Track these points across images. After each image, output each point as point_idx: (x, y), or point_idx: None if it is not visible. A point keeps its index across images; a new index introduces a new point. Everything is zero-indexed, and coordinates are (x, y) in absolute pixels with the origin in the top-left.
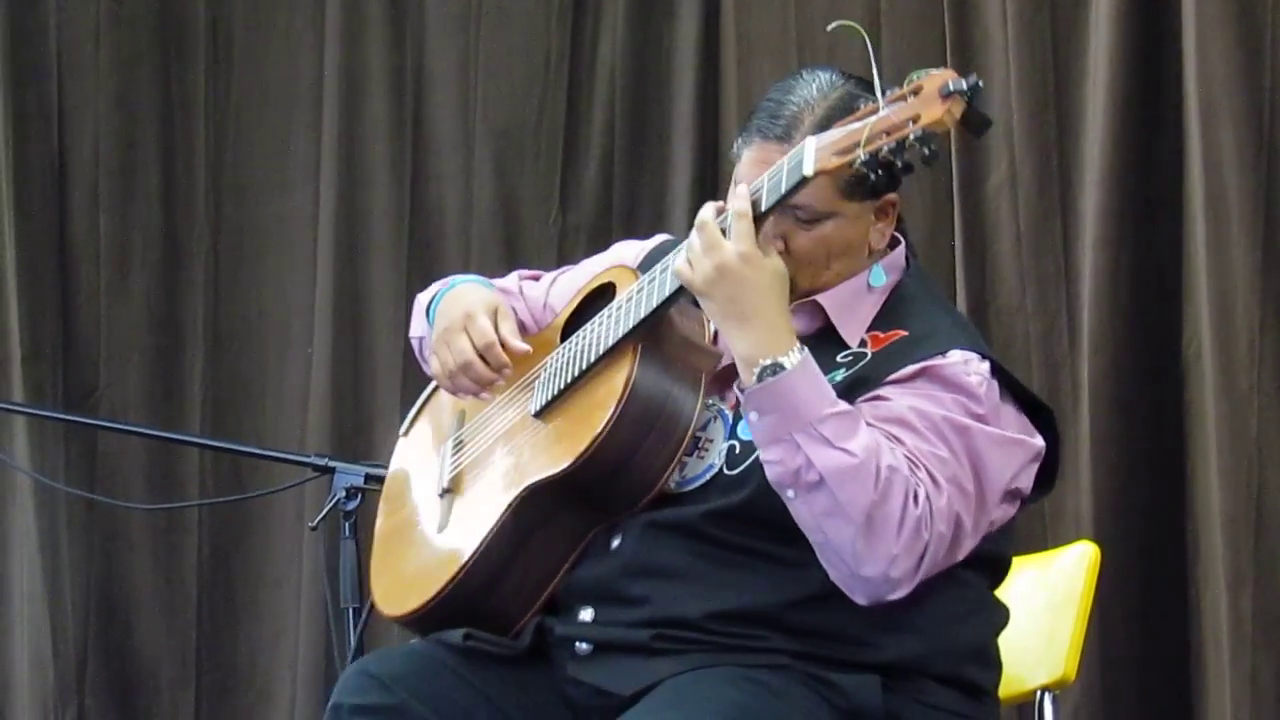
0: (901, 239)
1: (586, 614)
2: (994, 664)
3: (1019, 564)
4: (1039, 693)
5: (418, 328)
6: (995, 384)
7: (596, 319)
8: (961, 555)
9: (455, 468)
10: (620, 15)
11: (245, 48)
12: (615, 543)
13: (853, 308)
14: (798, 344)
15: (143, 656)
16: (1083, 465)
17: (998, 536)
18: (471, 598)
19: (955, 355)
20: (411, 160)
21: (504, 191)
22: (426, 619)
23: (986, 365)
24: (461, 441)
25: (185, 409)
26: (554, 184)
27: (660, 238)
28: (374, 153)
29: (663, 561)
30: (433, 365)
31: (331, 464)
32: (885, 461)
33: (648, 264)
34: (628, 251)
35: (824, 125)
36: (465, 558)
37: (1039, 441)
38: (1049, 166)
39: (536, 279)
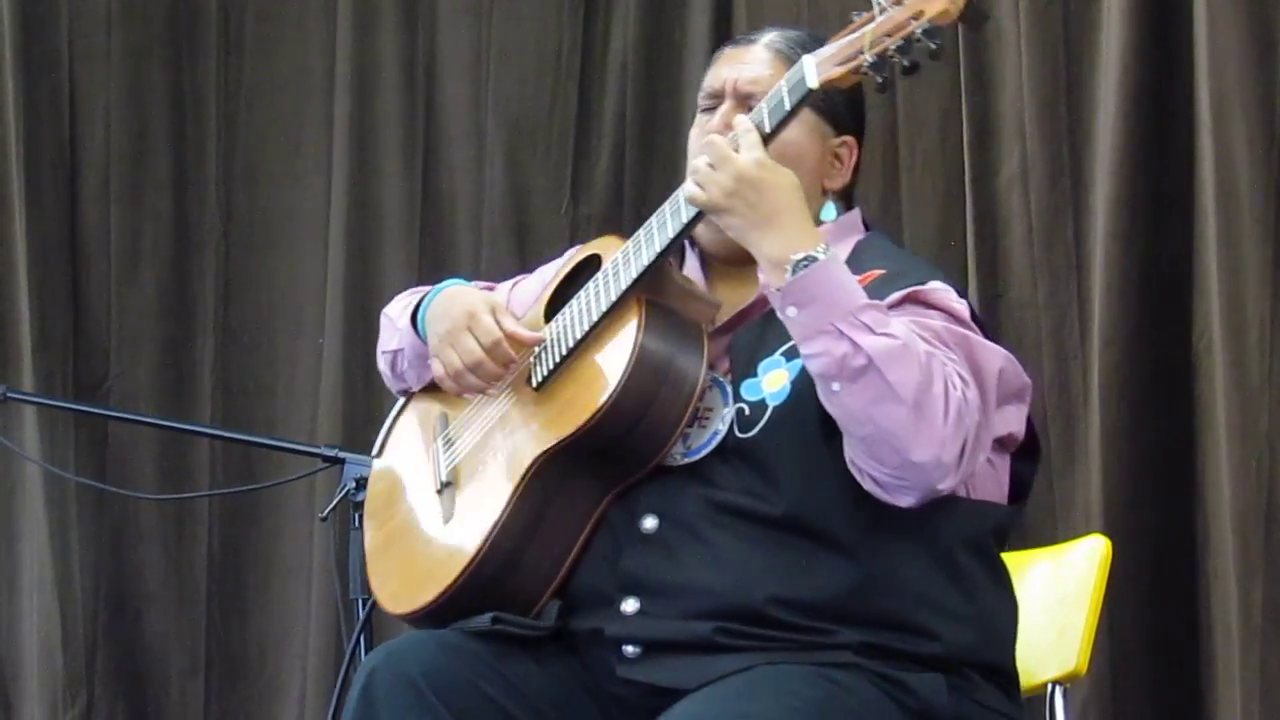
0: (857, 206)
1: (630, 605)
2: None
3: (1030, 557)
4: (1050, 686)
5: (393, 340)
6: (974, 322)
7: (590, 284)
8: (978, 462)
9: (451, 462)
10: (632, 6)
11: (257, 38)
12: (648, 524)
13: None
14: (825, 240)
15: (152, 646)
16: (1093, 458)
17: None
18: (491, 579)
19: (936, 284)
20: (423, 151)
21: (515, 182)
22: (445, 608)
23: (966, 303)
24: (451, 439)
25: (196, 399)
26: (565, 175)
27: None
28: (385, 143)
29: (717, 548)
30: (434, 368)
31: (342, 455)
32: (923, 347)
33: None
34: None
35: (787, 37)
36: (482, 538)
37: (1027, 378)
38: (1061, 159)
39: (492, 289)
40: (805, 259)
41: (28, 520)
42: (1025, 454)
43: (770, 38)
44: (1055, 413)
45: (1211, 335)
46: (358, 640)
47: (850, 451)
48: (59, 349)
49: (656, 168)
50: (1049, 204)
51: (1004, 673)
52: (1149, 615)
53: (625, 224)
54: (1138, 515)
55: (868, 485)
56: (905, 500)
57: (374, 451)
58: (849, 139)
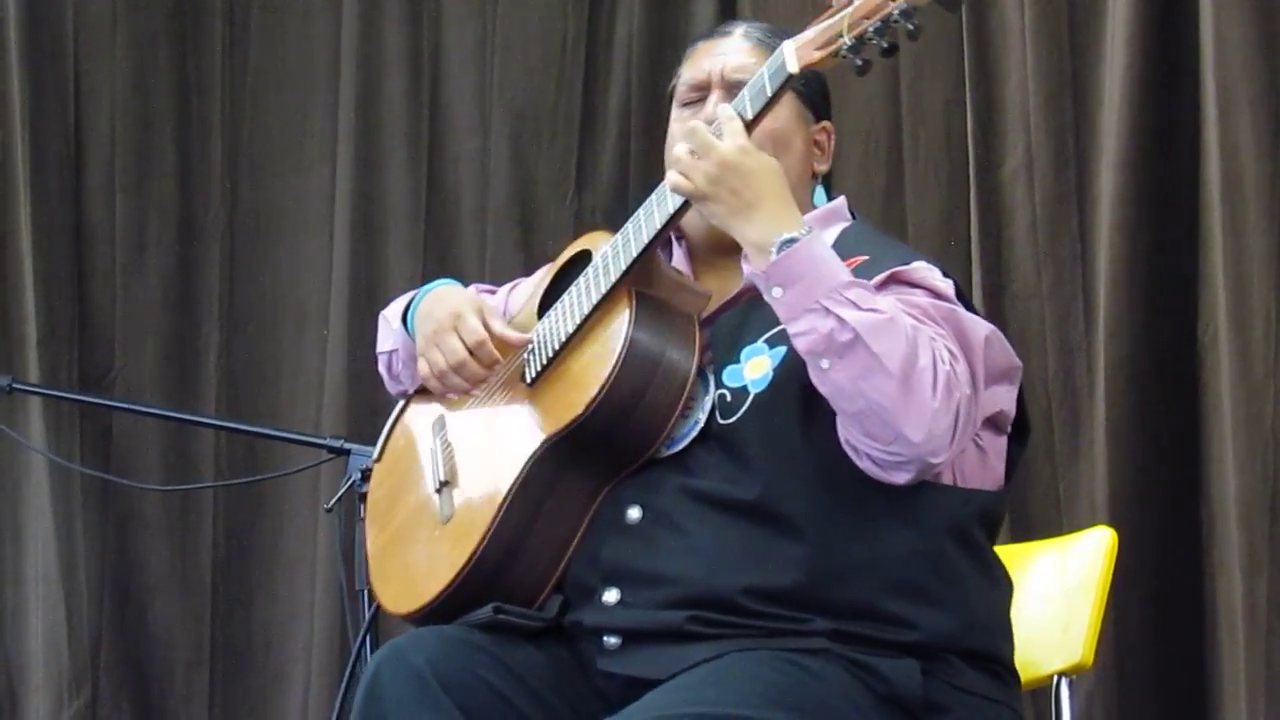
0: (842, 195)
1: (611, 595)
2: (1011, 635)
3: (1035, 549)
4: (1055, 678)
5: (388, 341)
6: (959, 300)
7: (579, 279)
8: (970, 436)
9: (449, 461)
10: None
11: (262, 28)
12: (633, 515)
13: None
14: (806, 223)
15: (157, 638)
16: (1098, 450)
17: (1000, 495)
18: (491, 574)
19: (919, 264)
20: (428, 141)
21: (520, 173)
22: (446, 606)
23: (951, 282)
24: (449, 438)
25: (201, 390)
26: (570, 165)
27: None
28: (390, 134)
29: (693, 537)
30: (420, 368)
31: (347, 446)
32: (910, 321)
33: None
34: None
35: (763, 27)
36: (480, 535)
37: (1016, 359)
38: (1066, 151)
39: (493, 293)
40: (788, 239)
41: (33, 511)
42: (1014, 434)
43: (745, 28)
44: (1060, 405)
45: (1217, 327)
46: (365, 630)
47: (844, 431)
48: (64, 340)
49: (661, 158)
50: (1053, 195)
51: (991, 658)
52: (1154, 607)
53: (630, 215)
54: (1143, 507)
55: (864, 465)
56: (901, 477)
57: (374, 457)
58: (827, 124)
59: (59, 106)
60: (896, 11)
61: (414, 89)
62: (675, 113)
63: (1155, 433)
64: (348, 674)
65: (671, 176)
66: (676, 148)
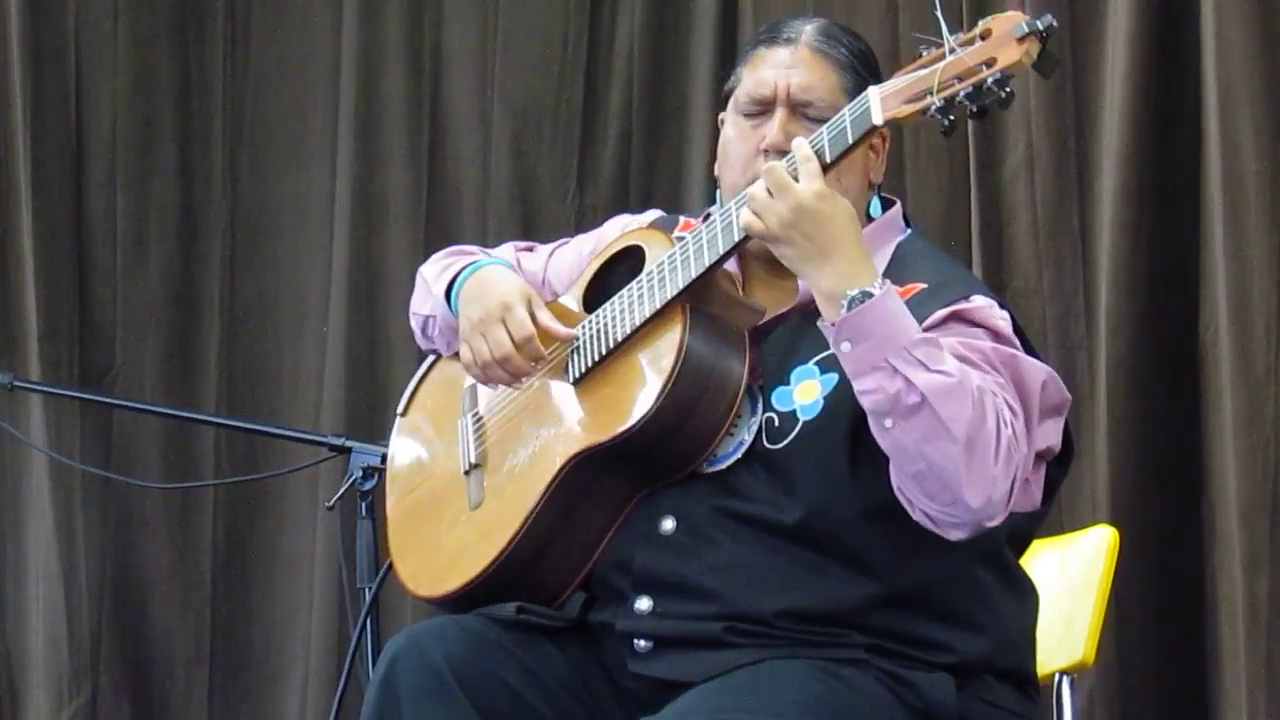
0: (896, 201)
1: (643, 603)
2: (1035, 647)
3: (1038, 547)
4: (1057, 676)
5: (426, 305)
6: (1016, 335)
7: (635, 284)
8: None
9: (480, 444)
10: None
11: (263, 26)
12: (667, 525)
13: (868, 250)
14: (880, 274)
15: (157, 635)
16: (1100, 448)
17: (1035, 515)
18: (518, 571)
19: (979, 300)
20: (429, 140)
21: (521, 171)
22: (469, 596)
23: (1007, 314)
24: (481, 417)
25: (201, 387)
26: (571, 164)
27: (654, 213)
28: (391, 132)
29: (731, 555)
30: (463, 354)
31: (349, 444)
32: (976, 383)
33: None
34: (618, 225)
35: (825, 34)
36: (512, 531)
37: (1068, 392)
38: (1067, 149)
39: (531, 250)
40: (860, 294)
41: (33, 508)
42: (1059, 459)
43: (810, 37)
44: None
45: (1218, 325)
46: (362, 628)
47: (901, 484)
48: (65, 337)
49: (662, 156)
50: (1055, 193)
51: (1020, 674)
52: (1155, 605)
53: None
54: (1144, 505)
55: (917, 516)
56: (955, 535)
57: (399, 409)
58: (883, 129)
59: (60, 103)
60: (990, 80)
61: (414, 87)
62: (733, 118)
63: (1156, 431)
64: (346, 671)
65: (745, 215)
66: (753, 186)
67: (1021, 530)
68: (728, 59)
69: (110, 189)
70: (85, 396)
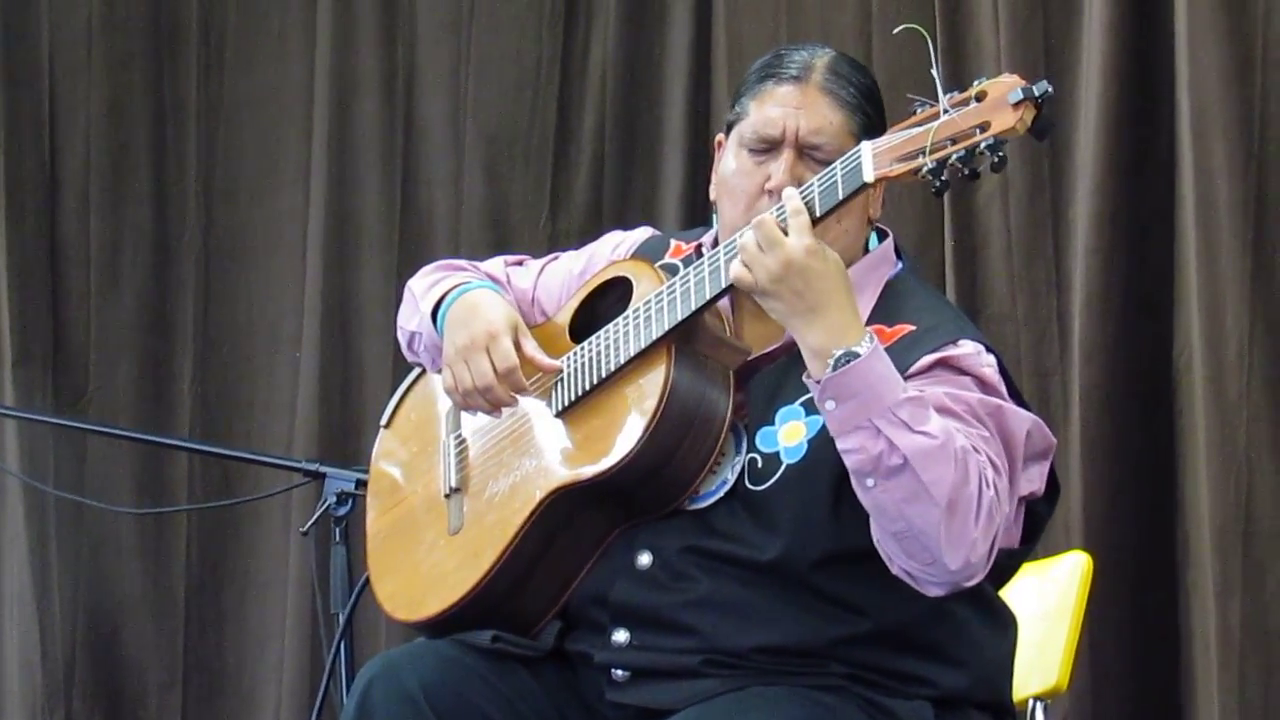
0: (889, 233)
1: (620, 635)
2: (1012, 675)
3: None
4: (1031, 701)
5: (413, 320)
6: (1002, 380)
7: (621, 320)
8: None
9: (461, 467)
10: (612, 20)
11: (237, 51)
12: (643, 560)
13: (860, 287)
14: (868, 332)
15: (130, 660)
16: (1073, 473)
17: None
18: (495, 601)
19: (967, 345)
20: (402, 164)
21: (494, 195)
22: (446, 623)
23: (994, 359)
24: (464, 439)
25: (175, 411)
26: (544, 188)
27: (645, 231)
28: (364, 156)
29: (707, 590)
30: (445, 379)
31: (322, 469)
32: (959, 444)
33: (638, 258)
34: (609, 243)
35: (835, 70)
36: (490, 561)
37: (1053, 437)
38: (1040, 174)
39: (522, 264)
40: (846, 355)
41: (7, 534)
42: (1046, 497)
43: (820, 76)
44: None
45: (1191, 350)
46: (335, 653)
47: (880, 539)
48: (39, 362)
49: (635, 181)
50: (1028, 219)
51: (999, 705)
52: (1129, 630)
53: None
54: (1118, 531)
55: (896, 572)
56: (933, 592)
57: (383, 421)
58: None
59: (34, 128)
60: (983, 144)
61: (388, 111)
62: (735, 150)
63: (1130, 456)
64: (320, 696)
65: (735, 267)
66: (744, 236)
67: (1000, 564)
68: (701, 83)
69: (84, 214)
70: (59, 422)
